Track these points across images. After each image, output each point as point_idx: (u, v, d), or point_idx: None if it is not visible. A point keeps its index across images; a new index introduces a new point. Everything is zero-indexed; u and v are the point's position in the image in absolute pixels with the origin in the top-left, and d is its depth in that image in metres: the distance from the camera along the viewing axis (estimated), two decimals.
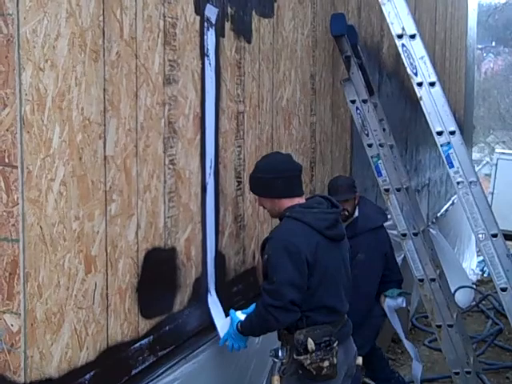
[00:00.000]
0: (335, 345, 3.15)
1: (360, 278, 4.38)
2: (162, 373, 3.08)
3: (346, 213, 4.65)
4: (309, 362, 3.09)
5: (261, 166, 3.35)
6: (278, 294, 3.05)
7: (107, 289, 2.68)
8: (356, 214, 4.86)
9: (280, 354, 3.22)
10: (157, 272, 3.03)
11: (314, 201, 3.31)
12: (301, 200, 3.28)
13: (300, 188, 3.32)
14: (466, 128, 12.72)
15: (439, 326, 5.09)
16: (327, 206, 3.30)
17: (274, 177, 3.24)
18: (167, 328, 3.13)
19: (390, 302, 4.87)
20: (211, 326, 3.50)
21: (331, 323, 3.19)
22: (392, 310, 4.92)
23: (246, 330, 3.23)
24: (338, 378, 3.22)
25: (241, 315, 3.29)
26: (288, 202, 3.24)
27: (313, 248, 3.12)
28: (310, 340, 3.09)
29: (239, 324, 3.23)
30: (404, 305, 4.96)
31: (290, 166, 3.32)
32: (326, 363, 3.11)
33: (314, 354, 3.09)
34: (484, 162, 24.00)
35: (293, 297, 3.05)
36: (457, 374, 5.15)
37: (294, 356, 3.13)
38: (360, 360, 3.45)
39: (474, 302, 8.67)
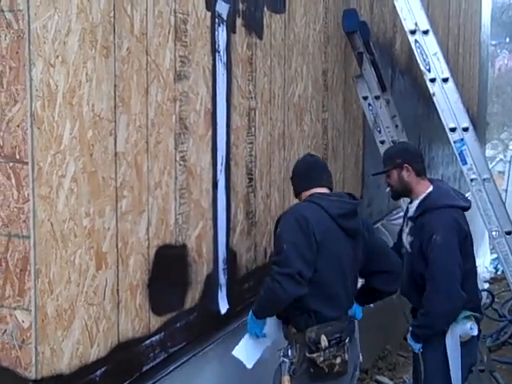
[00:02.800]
0: (347, 341, 3.13)
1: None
2: (173, 369, 3.08)
3: (388, 189, 4.02)
4: (322, 359, 3.07)
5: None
6: (287, 262, 3.00)
7: (118, 285, 2.68)
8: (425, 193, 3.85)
9: (289, 353, 3.18)
10: (168, 269, 3.02)
11: (335, 193, 3.42)
12: (322, 190, 3.32)
13: (319, 179, 3.36)
14: (479, 124, 12.64)
15: None
16: (349, 198, 3.34)
17: (291, 177, 3.50)
18: (178, 325, 3.12)
19: (457, 328, 3.69)
20: (222, 323, 3.50)
21: (339, 319, 3.17)
22: (456, 341, 3.71)
23: (256, 309, 3.19)
24: (348, 375, 3.21)
25: None
26: (306, 194, 3.33)
27: (322, 228, 3.11)
28: (323, 337, 3.07)
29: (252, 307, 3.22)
30: (474, 333, 3.75)
31: (302, 163, 3.47)
32: (339, 360, 3.09)
33: (327, 351, 3.07)
34: (497, 159, 23.82)
35: (301, 268, 3.00)
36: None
37: (307, 354, 3.10)
38: (360, 357, 3.42)
39: (488, 301, 8.60)
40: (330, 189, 3.37)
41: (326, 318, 3.13)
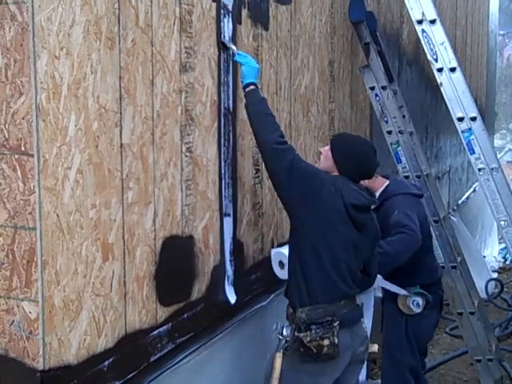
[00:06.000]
0: (336, 324, 3.11)
1: None
2: (181, 360, 3.09)
3: None
4: (308, 339, 3.09)
5: (363, 141, 3.50)
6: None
7: (125, 276, 2.69)
8: None
9: (285, 331, 3.27)
10: (174, 260, 3.03)
11: (355, 184, 3.31)
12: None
13: (360, 179, 3.35)
14: (487, 114, 12.60)
15: (460, 314, 5.07)
16: (366, 193, 3.34)
17: (362, 158, 3.31)
18: (185, 316, 3.13)
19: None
20: (229, 314, 3.51)
21: (334, 303, 3.16)
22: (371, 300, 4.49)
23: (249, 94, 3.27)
24: (341, 361, 3.19)
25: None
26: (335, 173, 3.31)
27: (330, 203, 3.14)
28: (312, 317, 3.11)
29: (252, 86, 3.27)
30: (416, 310, 4.18)
31: (375, 165, 3.40)
32: (326, 342, 3.09)
33: (313, 332, 3.09)
34: (506, 149, 23.77)
35: (294, 158, 3.15)
36: (478, 361, 5.13)
37: (295, 333, 3.16)
38: (375, 347, 3.43)
39: (497, 290, 8.58)
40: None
41: (321, 301, 3.14)
